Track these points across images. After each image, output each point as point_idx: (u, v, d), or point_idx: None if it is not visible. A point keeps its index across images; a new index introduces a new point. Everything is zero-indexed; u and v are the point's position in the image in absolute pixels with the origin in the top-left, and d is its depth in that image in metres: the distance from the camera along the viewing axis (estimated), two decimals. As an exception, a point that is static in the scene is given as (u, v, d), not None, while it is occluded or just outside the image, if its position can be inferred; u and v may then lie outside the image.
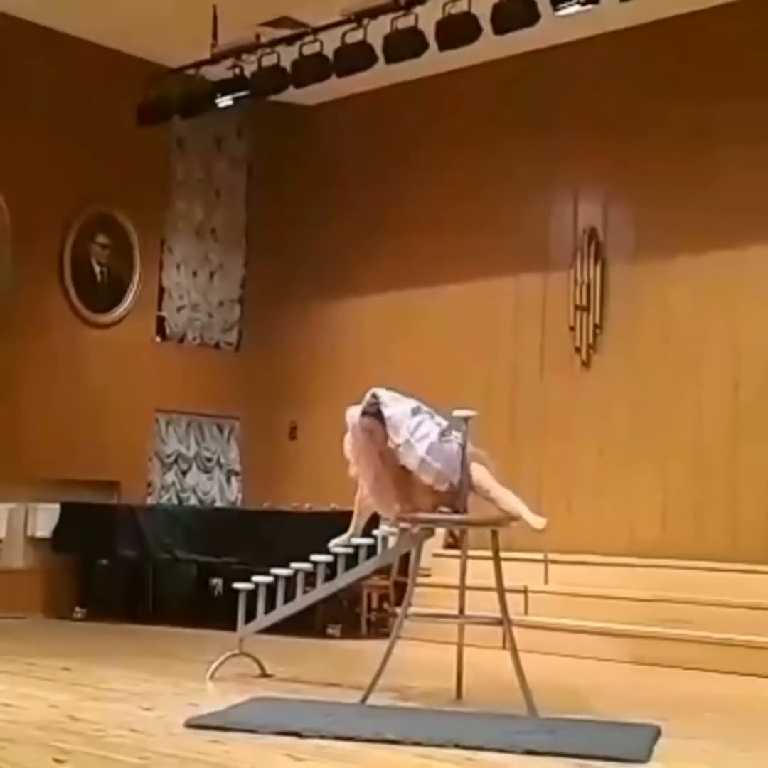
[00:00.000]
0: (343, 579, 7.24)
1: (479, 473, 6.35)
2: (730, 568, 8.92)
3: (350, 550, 7.12)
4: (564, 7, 8.32)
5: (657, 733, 5.52)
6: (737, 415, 9.68)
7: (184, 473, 12.01)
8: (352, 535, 6.99)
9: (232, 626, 7.37)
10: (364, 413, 6.54)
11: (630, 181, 10.42)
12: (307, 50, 9.39)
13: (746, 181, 9.69)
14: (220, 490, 12.25)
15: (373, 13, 8.90)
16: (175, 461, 11.96)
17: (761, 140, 9.67)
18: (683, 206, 10.03)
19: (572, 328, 10.65)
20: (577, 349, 10.59)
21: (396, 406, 6.52)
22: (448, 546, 9.60)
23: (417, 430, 6.41)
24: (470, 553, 6.74)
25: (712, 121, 9.90)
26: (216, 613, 9.54)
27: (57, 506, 10.79)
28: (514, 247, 10.96)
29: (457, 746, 5.11)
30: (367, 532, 7.12)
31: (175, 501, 11.79)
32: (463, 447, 6.34)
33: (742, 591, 8.66)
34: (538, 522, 6.24)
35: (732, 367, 9.79)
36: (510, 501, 6.32)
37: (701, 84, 10.01)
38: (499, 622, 6.42)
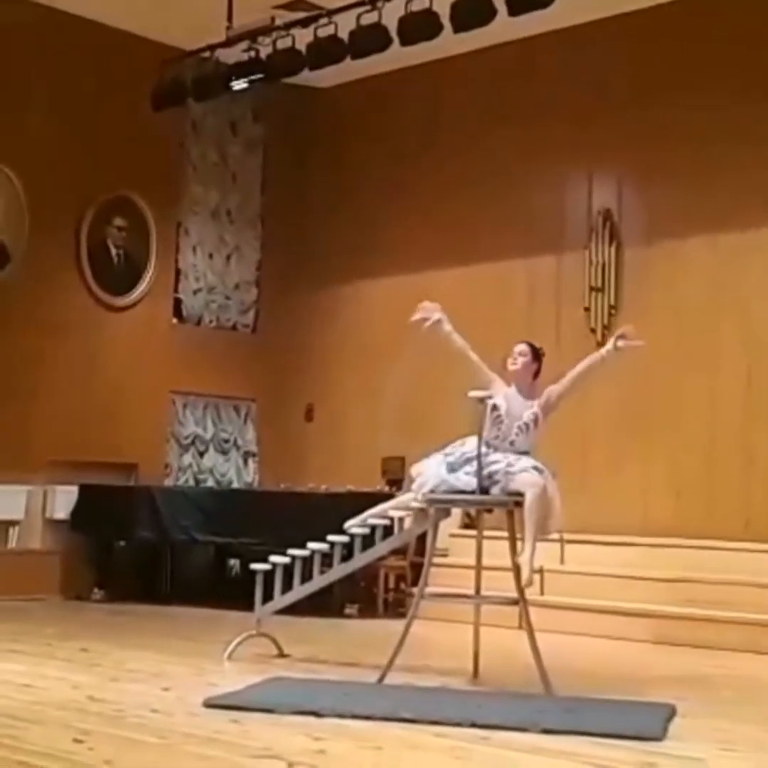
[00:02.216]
0: (360, 559, 7.26)
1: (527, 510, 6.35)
2: (745, 548, 8.95)
3: (366, 531, 7.15)
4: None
5: (672, 711, 5.55)
6: (750, 395, 9.68)
7: (201, 455, 12.06)
8: None
9: (249, 607, 7.41)
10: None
11: (645, 163, 10.39)
12: (322, 32, 9.38)
13: (761, 165, 9.66)
14: (237, 472, 12.31)
15: (388, -6, 8.89)
16: (193, 443, 12.01)
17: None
18: (698, 188, 10.01)
19: (587, 309, 10.65)
20: (593, 330, 10.59)
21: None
22: (464, 526, 9.64)
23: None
24: (486, 533, 6.77)
25: (729, 104, 9.86)
26: (233, 593, 9.60)
27: (75, 488, 10.84)
28: (528, 228, 10.96)
29: (473, 725, 5.13)
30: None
31: (192, 483, 11.85)
32: (480, 434, 6.39)
33: (757, 570, 8.68)
34: (525, 579, 6.29)
35: (745, 348, 9.79)
36: (529, 550, 6.33)
37: (718, 66, 9.97)
38: (515, 602, 6.44)
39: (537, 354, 6.69)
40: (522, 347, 6.69)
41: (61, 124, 10.83)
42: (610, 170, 10.71)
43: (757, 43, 9.78)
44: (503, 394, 6.59)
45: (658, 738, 5.03)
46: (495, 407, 6.54)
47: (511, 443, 6.52)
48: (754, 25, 9.82)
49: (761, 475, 9.52)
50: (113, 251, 11.51)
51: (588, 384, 6.79)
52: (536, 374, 6.70)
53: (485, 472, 6.39)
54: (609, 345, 6.73)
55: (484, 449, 6.41)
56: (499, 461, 6.43)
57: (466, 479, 6.44)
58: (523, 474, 6.37)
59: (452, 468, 6.50)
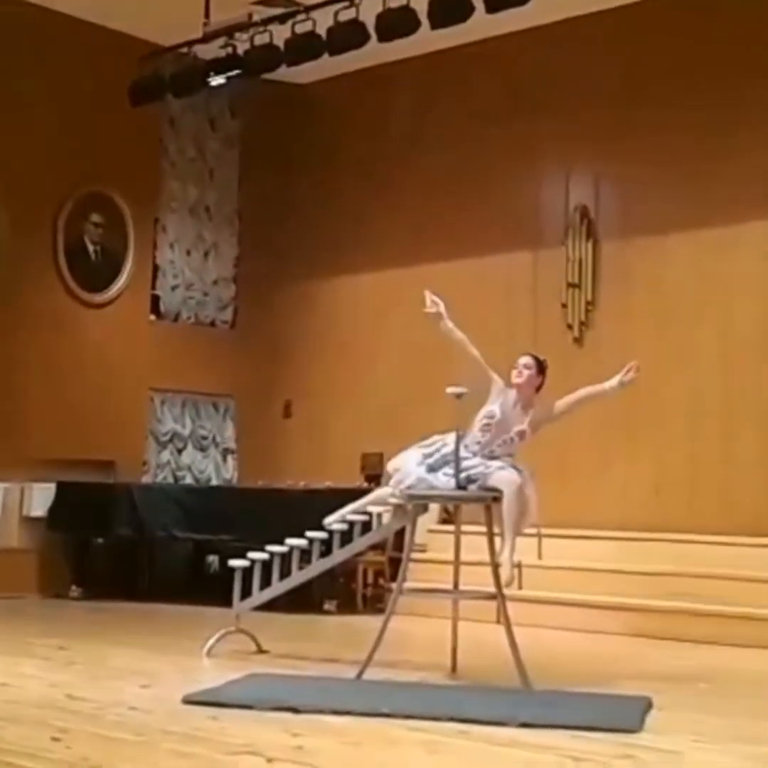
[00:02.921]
0: (339, 555, 7.28)
1: (505, 507, 6.38)
2: (724, 541, 9.00)
3: (345, 527, 7.17)
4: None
5: (649, 704, 5.59)
6: (731, 391, 9.73)
7: (179, 452, 12.04)
8: None
9: (228, 603, 7.42)
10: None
11: (621, 159, 10.43)
12: (300, 28, 9.38)
13: (738, 159, 9.71)
14: (215, 469, 12.29)
15: (366, -10, 8.90)
16: (171, 440, 11.98)
17: (752, 120, 9.69)
18: (674, 184, 10.06)
19: (564, 306, 10.69)
20: (570, 326, 10.63)
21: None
22: (442, 521, 9.66)
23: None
24: (464, 528, 6.79)
25: (704, 100, 9.92)
26: (212, 590, 9.57)
27: (52, 486, 10.80)
28: (505, 224, 10.98)
29: (452, 720, 5.16)
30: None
31: (170, 480, 11.83)
32: (458, 431, 6.42)
33: (735, 564, 8.73)
34: (506, 577, 6.34)
35: (725, 343, 9.83)
36: (508, 548, 6.36)
37: (693, 61, 10.02)
38: (493, 597, 6.47)
39: (541, 367, 6.68)
40: (527, 360, 6.67)
41: (38, 119, 10.79)
42: (587, 167, 10.74)
43: (734, 39, 9.84)
44: (500, 402, 6.59)
45: (636, 730, 5.07)
46: (489, 414, 6.55)
47: (492, 451, 6.55)
48: (731, 22, 9.87)
49: (741, 471, 9.57)
50: (90, 248, 11.48)
51: (582, 410, 6.81)
52: (538, 387, 6.70)
53: (463, 475, 6.43)
54: (615, 380, 6.74)
55: (463, 452, 6.44)
56: (476, 466, 6.47)
57: (445, 480, 6.47)
58: (501, 472, 6.42)
59: (431, 468, 6.54)
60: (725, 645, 8.08)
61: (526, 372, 6.63)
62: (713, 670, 7.24)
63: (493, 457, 6.51)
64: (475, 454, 6.51)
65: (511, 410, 6.58)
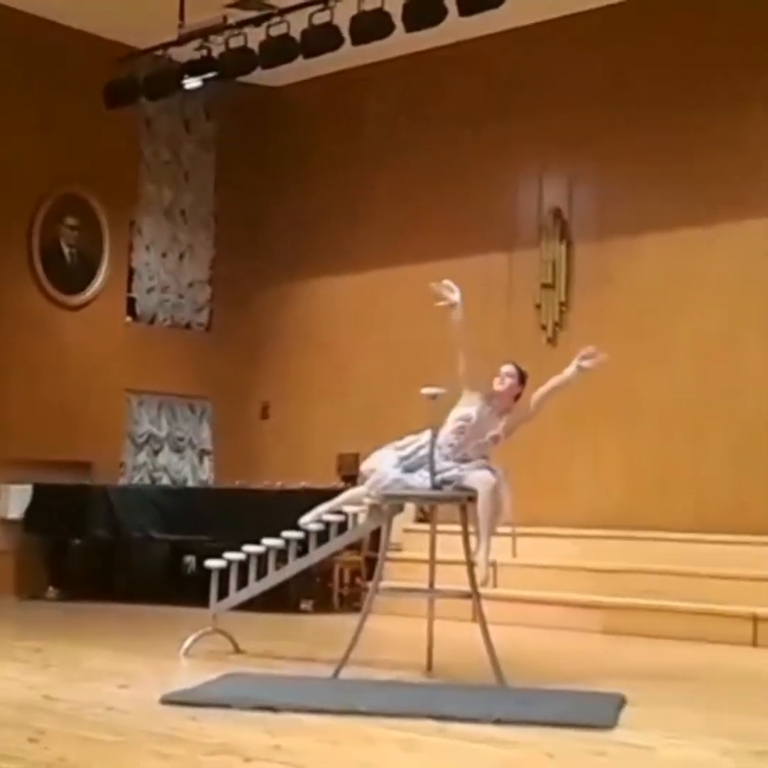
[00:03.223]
0: (315, 555, 7.32)
1: (480, 507, 6.42)
2: (696, 539, 9.08)
3: (321, 527, 7.20)
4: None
5: (622, 701, 5.64)
6: (703, 389, 9.81)
7: (156, 453, 12.05)
8: None
9: (205, 604, 7.42)
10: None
11: (594, 161, 10.50)
12: (275, 31, 9.42)
13: (711, 160, 9.79)
14: (192, 470, 12.30)
15: (340, -6, 8.94)
16: (147, 441, 11.99)
17: (725, 119, 9.78)
18: (647, 186, 10.14)
19: (538, 306, 10.75)
20: (544, 327, 10.70)
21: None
22: (418, 521, 9.70)
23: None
24: (440, 527, 6.84)
25: (676, 101, 10.00)
26: (189, 591, 9.58)
27: (29, 487, 10.78)
28: (480, 226, 11.03)
29: (429, 717, 5.19)
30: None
31: (147, 481, 11.83)
32: (433, 432, 6.47)
33: (707, 561, 8.81)
34: (482, 579, 6.39)
35: (698, 342, 9.91)
36: (483, 547, 6.41)
37: (666, 63, 10.10)
38: (468, 596, 6.51)
39: (523, 377, 6.71)
40: (510, 369, 6.69)
41: (14, 122, 10.77)
42: (560, 169, 10.80)
43: (705, 39, 9.91)
44: (478, 408, 6.61)
45: (609, 727, 5.12)
46: (465, 417, 6.59)
47: (465, 454, 6.59)
48: (701, 22, 9.94)
49: (713, 469, 9.65)
50: (66, 250, 11.47)
51: (552, 403, 6.86)
52: (517, 397, 6.73)
53: (438, 477, 6.47)
54: (572, 366, 6.79)
55: (435, 453, 6.48)
56: (451, 469, 6.52)
57: (421, 481, 6.52)
58: (476, 472, 6.47)
59: (407, 469, 6.57)
60: (697, 641, 8.14)
61: (508, 380, 6.66)
62: (686, 667, 7.30)
63: (465, 460, 6.56)
64: (447, 457, 6.54)
65: (488, 415, 6.62)
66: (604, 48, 10.38)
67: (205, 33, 9.72)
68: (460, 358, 6.62)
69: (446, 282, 6.63)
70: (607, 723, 5.16)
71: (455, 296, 6.62)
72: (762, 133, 9.64)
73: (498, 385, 6.65)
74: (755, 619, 8.22)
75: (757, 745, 4.88)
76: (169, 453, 12.16)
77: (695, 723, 5.38)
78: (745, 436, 9.58)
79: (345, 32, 9.07)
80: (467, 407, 6.60)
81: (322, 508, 7.15)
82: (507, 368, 6.69)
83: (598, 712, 5.35)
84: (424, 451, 6.54)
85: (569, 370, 6.81)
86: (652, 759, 4.68)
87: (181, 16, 9.83)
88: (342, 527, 7.24)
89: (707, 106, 9.84)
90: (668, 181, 10.03)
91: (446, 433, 6.57)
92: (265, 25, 9.48)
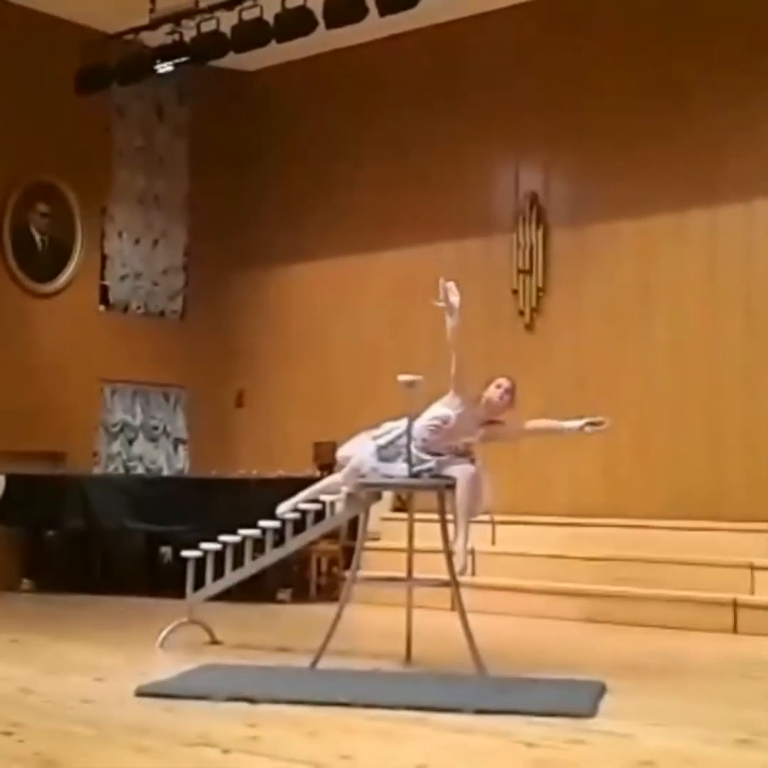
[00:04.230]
0: (292, 544, 7.29)
1: (459, 495, 6.37)
2: (674, 526, 9.08)
3: (298, 516, 7.16)
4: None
5: (602, 689, 5.63)
6: (681, 376, 9.81)
7: (130, 442, 11.97)
8: None
9: (181, 594, 7.40)
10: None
11: (571, 146, 10.47)
12: (247, 15, 9.34)
13: (687, 146, 9.78)
14: (167, 459, 12.23)
15: (313, -23, 8.86)
16: (122, 430, 11.91)
17: (702, 106, 9.76)
18: (625, 171, 10.11)
19: (515, 292, 10.72)
20: (521, 313, 10.67)
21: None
22: (395, 509, 9.67)
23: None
24: (417, 516, 6.81)
25: (652, 87, 9.98)
26: (165, 581, 9.54)
27: (2, 478, 10.68)
28: (456, 211, 10.99)
29: (408, 707, 5.18)
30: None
31: (122, 470, 11.76)
32: (410, 420, 6.42)
33: (687, 548, 8.81)
34: (460, 567, 6.36)
35: (675, 329, 9.91)
36: (462, 535, 6.36)
37: (641, 49, 10.07)
38: (447, 584, 6.49)
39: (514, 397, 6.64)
40: (510, 385, 6.59)
41: (-18, 108, 10.67)
42: (536, 154, 10.77)
43: (681, 27, 9.90)
44: (459, 413, 6.52)
45: (589, 715, 5.11)
46: (443, 417, 6.52)
47: (437, 452, 6.53)
48: (678, 10, 9.92)
49: (691, 457, 9.65)
50: (37, 237, 11.36)
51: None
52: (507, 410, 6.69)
53: (416, 468, 6.42)
54: (578, 423, 6.70)
55: (411, 445, 6.43)
56: (428, 461, 6.47)
57: (399, 470, 6.47)
58: (456, 460, 6.44)
59: (384, 458, 6.52)
60: (678, 629, 8.14)
61: (506, 397, 6.58)
62: (665, 655, 7.31)
63: (437, 454, 6.50)
64: (421, 450, 6.49)
65: (467, 421, 6.55)
66: (581, 30, 10.34)
67: (177, 17, 9.63)
68: (453, 361, 6.53)
69: (451, 284, 6.54)
70: (587, 711, 5.15)
71: (455, 300, 6.55)
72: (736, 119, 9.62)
73: (496, 397, 6.58)
74: (736, 606, 8.22)
75: (738, 733, 4.86)
76: (144, 442, 12.08)
77: (676, 711, 5.38)
78: (723, 423, 9.59)
79: (319, 16, 8.99)
80: (447, 408, 6.53)
81: (298, 497, 7.11)
82: (508, 384, 6.60)
83: (578, 701, 5.34)
84: (401, 441, 6.49)
85: (571, 424, 6.75)
86: (632, 747, 4.67)
87: (153, 0, 9.73)
88: (319, 516, 7.20)
89: (684, 92, 9.82)
90: (644, 167, 10.00)
91: (420, 426, 6.50)
92: (237, 8, 9.38)
